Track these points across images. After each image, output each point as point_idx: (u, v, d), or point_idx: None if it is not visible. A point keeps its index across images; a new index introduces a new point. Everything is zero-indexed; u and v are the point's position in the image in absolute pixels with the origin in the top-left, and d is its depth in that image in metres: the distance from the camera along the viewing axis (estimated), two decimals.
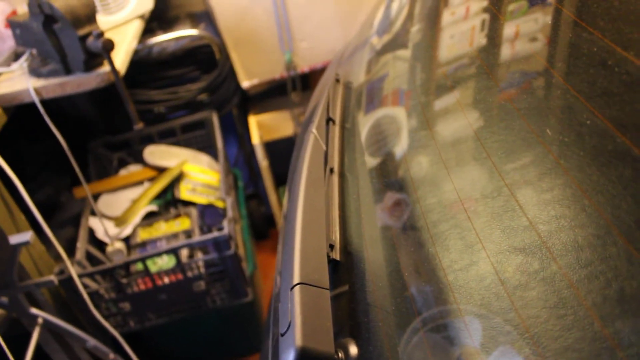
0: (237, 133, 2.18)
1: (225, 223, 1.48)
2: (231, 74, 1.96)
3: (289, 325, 0.45)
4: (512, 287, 0.42)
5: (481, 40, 0.72)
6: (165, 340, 1.75)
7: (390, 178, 0.62)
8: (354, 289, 0.52)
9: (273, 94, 2.14)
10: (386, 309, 0.50)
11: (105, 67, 1.41)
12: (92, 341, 1.51)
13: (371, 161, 0.66)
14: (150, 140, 1.98)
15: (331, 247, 0.54)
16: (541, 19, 0.67)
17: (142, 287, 1.54)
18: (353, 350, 0.46)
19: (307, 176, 0.60)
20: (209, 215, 1.78)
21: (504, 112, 0.55)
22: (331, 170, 0.63)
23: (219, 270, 1.56)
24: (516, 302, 0.41)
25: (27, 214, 1.45)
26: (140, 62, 1.83)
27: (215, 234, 1.46)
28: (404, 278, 0.51)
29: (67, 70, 1.41)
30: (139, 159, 1.96)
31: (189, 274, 1.53)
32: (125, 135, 1.97)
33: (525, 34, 0.67)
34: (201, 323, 1.73)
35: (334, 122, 0.72)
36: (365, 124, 0.74)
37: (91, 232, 1.71)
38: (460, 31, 0.77)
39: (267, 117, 2.10)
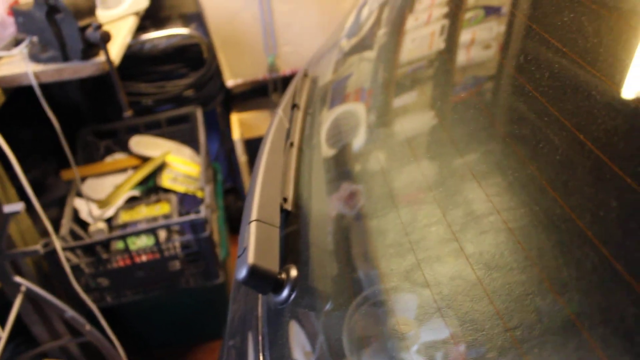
0: (219, 129, 2.31)
1: (202, 207, 1.60)
2: (217, 72, 2.09)
3: (244, 250, 0.58)
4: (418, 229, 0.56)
5: (440, 44, 0.83)
6: (139, 316, 1.85)
7: (339, 158, 0.76)
8: (299, 231, 0.65)
9: (255, 95, 2.27)
10: (322, 247, 0.63)
11: (101, 57, 1.53)
12: (70, 312, 1.61)
13: (325, 140, 0.80)
14: (136, 130, 2.10)
15: (285, 200, 0.67)
16: (495, 27, 0.77)
17: (122, 263, 1.65)
18: (293, 273, 0.59)
19: (270, 146, 0.73)
20: (188, 202, 1.90)
21: (457, 111, 0.66)
22: (291, 144, 0.77)
23: (194, 252, 1.68)
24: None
25: (17, 192, 1.56)
26: (132, 56, 1.95)
27: (192, 216, 1.58)
28: (338, 227, 0.64)
29: (65, 58, 1.52)
30: (125, 148, 2.08)
31: (166, 253, 1.65)
32: (113, 124, 2.09)
33: (480, 40, 0.77)
34: (174, 303, 1.84)
35: (298, 107, 0.85)
36: (325, 113, 0.88)
37: (75, 213, 1.82)
38: (421, 35, 0.89)
39: (248, 116, 2.23)
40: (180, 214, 1.83)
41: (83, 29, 1.46)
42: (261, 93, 2.24)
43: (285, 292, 0.57)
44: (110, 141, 2.10)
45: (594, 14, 0.56)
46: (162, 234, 1.76)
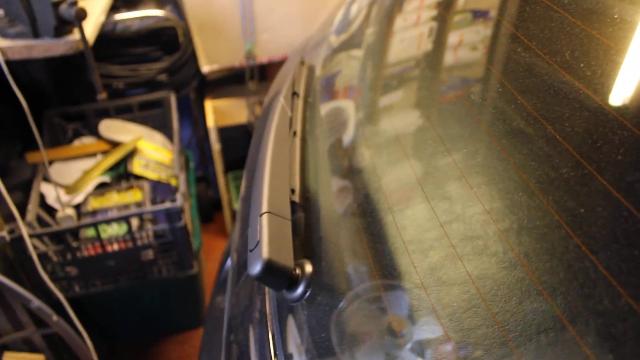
0: (192, 116, 2.24)
1: (178, 195, 1.56)
2: (192, 57, 2.03)
3: (257, 243, 0.55)
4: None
5: (427, 45, 0.83)
6: (108, 308, 1.79)
7: (341, 147, 0.74)
8: (309, 224, 0.62)
9: (230, 82, 2.22)
10: (334, 240, 0.61)
11: (75, 35, 1.45)
12: (36, 302, 1.54)
13: (326, 130, 0.77)
14: (106, 114, 2.02)
15: (292, 191, 0.64)
16: (482, 30, 0.79)
17: (92, 252, 1.59)
18: (308, 268, 0.56)
19: (274, 135, 0.70)
20: (161, 190, 1.84)
21: (445, 110, 0.67)
22: (294, 133, 0.74)
23: (167, 241, 1.63)
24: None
25: None
26: (104, 37, 1.87)
27: (167, 204, 1.53)
28: (348, 219, 0.62)
29: (36, 34, 1.44)
30: (94, 132, 2.00)
31: (139, 242, 1.59)
32: (82, 106, 2.00)
33: (468, 42, 0.79)
34: (145, 294, 1.78)
35: (298, 95, 0.82)
36: (321, 105, 0.86)
37: (42, 198, 1.74)
38: (410, 36, 0.89)
39: (223, 103, 2.18)
40: (153, 202, 1.78)
41: (56, 5, 1.39)
42: (237, 80, 2.19)
43: (300, 289, 0.55)
44: (79, 124, 2.02)
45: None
46: (135, 222, 1.70)
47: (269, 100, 1.05)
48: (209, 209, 2.47)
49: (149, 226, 1.69)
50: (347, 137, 0.75)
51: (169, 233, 1.60)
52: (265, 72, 2.21)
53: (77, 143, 1.98)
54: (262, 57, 2.04)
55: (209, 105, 2.17)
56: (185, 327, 2.03)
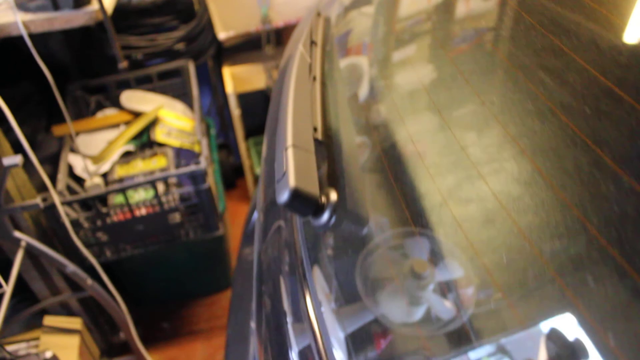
0: (211, 84, 2.27)
1: (202, 158, 1.59)
2: (208, 25, 2.05)
3: (284, 174, 0.58)
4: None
5: None
6: (139, 272, 1.85)
7: (360, 91, 0.76)
8: (332, 157, 0.65)
9: (247, 48, 2.24)
10: (355, 173, 0.64)
11: (94, 6, 1.48)
12: (71, 266, 1.60)
13: (344, 75, 0.80)
14: (127, 85, 2.06)
15: (315, 129, 0.67)
16: None
17: (121, 217, 1.64)
18: (333, 196, 0.59)
19: (295, 79, 0.73)
20: (185, 156, 1.88)
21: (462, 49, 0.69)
22: (314, 78, 0.76)
23: (193, 204, 1.67)
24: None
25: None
26: (121, 8, 1.90)
27: (192, 167, 1.57)
28: (368, 153, 0.65)
29: (56, 7, 1.47)
30: (116, 104, 2.04)
31: (166, 206, 1.64)
32: (102, 79, 2.04)
33: None
34: (174, 257, 1.84)
35: (316, 44, 0.85)
36: (338, 57, 0.89)
37: (70, 169, 1.79)
38: None
39: (241, 69, 2.20)
40: (177, 167, 1.82)
41: None
42: (254, 46, 2.21)
43: (326, 215, 0.58)
44: (101, 96, 2.06)
45: None
46: (161, 188, 1.75)
47: (288, 53, 1.08)
48: (231, 176, 2.51)
49: (175, 190, 1.73)
50: (365, 81, 0.78)
51: (195, 196, 1.65)
52: (281, 36, 2.22)
53: (100, 115, 2.02)
54: (278, 21, 2.05)
55: (227, 72, 2.19)
56: (213, 289, 2.09)
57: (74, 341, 1.69)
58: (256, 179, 2.40)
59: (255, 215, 1.16)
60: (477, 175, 0.54)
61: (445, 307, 0.52)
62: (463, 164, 0.55)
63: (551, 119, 0.51)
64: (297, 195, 0.56)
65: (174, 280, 1.98)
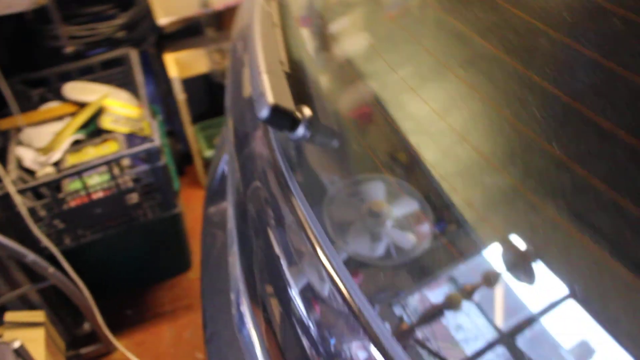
0: (153, 71, 2.29)
1: (155, 136, 1.62)
2: (148, 11, 2.07)
3: (261, 95, 0.64)
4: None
5: None
6: (99, 259, 1.85)
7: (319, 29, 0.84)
8: (298, 83, 0.72)
9: (188, 33, 2.27)
10: (320, 95, 0.72)
11: None
12: (31, 255, 1.59)
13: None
14: (69, 77, 2.04)
15: (281, 63, 0.74)
16: None
17: (78, 202, 1.65)
18: (307, 112, 0.66)
19: (260, 25, 0.80)
20: (134, 142, 1.90)
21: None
22: (274, 24, 0.83)
23: (149, 183, 1.70)
24: None
25: None
26: None
27: (147, 145, 1.60)
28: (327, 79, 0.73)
29: None
30: (59, 96, 2.03)
31: (122, 187, 1.66)
32: (44, 72, 2.02)
33: None
34: (133, 240, 1.85)
35: None
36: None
37: (18, 162, 1.78)
38: None
39: (183, 55, 2.23)
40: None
41: None
42: (194, 31, 2.24)
43: (302, 128, 0.65)
44: (43, 90, 2.04)
45: None
46: (116, 171, 1.76)
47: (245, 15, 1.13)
48: (180, 163, 2.53)
49: (130, 171, 1.75)
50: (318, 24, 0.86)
51: (151, 174, 1.67)
52: (222, 20, 2.26)
53: (43, 108, 2.00)
54: (218, 4, 2.10)
55: (170, 58, 2.22)
56: (173, 272, 2.11)
57: (38, 334, 1.67)
58: (206, 163, 2.43)
59: (220, 169, 1.21)
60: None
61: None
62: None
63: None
64: (277, 111, 0.62)
65: (134, 267, 1.99)
